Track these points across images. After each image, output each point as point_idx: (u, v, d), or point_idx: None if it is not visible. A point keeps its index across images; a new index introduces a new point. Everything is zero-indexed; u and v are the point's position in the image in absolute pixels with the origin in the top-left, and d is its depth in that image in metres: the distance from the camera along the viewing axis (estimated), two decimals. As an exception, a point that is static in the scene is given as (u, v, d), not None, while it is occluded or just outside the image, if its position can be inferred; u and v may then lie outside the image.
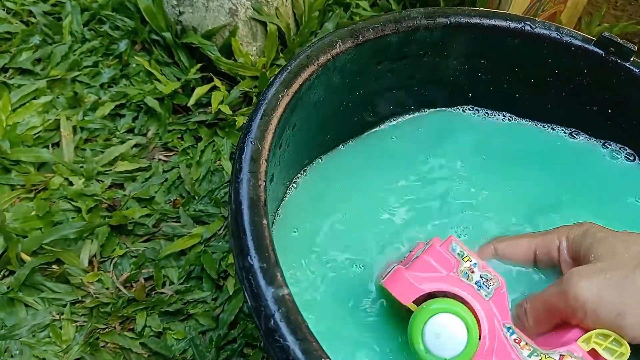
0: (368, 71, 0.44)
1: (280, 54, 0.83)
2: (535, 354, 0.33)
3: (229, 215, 0.31)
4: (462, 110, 0.50)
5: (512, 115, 0.50)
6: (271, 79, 0.37)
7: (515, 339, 0.33)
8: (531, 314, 0.36)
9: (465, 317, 0.33)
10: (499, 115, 0.50)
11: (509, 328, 0.34)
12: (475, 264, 0.35)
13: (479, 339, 0.33)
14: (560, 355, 0.33)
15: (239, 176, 0.32)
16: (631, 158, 0.48)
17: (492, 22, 0.44)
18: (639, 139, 0.46)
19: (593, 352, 0.33)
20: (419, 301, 0.34)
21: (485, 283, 0.35)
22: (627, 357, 0.32)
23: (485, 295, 0.34)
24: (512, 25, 0.44)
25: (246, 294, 0.28)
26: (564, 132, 0.49)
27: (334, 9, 0.91)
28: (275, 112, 0.35)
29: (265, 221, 0.30)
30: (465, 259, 0.35)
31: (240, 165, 0.32)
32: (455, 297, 0.34)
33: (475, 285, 0.34)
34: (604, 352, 0.33)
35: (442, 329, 0.33)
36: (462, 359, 0.33)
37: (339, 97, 0.44)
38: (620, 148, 0.48)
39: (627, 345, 0.32)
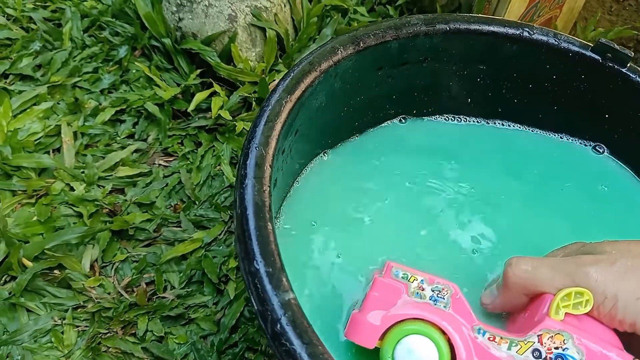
0: (369, 77, 0.45)
1: (279, 60, 0.84)
2: (514, 344, 0.33)
3: (234, 221, 0.32)
4: (459, 118, 0.51)
5: (505, 122, 0.51)
6: (275, 86, 0.37)
7: (489, 338, 0.33)
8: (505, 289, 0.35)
9: (431, 334, 0.33)
10: (495, 122, 0.51)
11: (479, 329, 0.34)
12: (423, 280, 0.35)
13: (452, 351, 0.33)
14: (538, 335, 0.32)
15: (244, 182, 0.32)
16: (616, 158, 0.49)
17: (491, 28, 0.44)
18: (637, 144, 0.47)
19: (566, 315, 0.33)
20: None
21: (439, 295, 0.34)
22: (592, 301, 0.32)
23: (444, 307, 0.34)
24: (511, 31, 0.44)
25: (252, 299, 0.29)
26: (560, 137, 0.51)
27: (332, 14, 0.92)
28: (279, 119, 0.36)
29: (270, 226, 0.31)
30: (411, 280, 0.35)
31: (245, 170, 0.33)
32: (417, 319, 0.34)
33: (430, 301, 0.34)
34: (574, 309, 0.32)
35: (410, 354, 0.33)
36: None
37: (340, 102, 0.45)
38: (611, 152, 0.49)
39: (588, 291, 0.32)
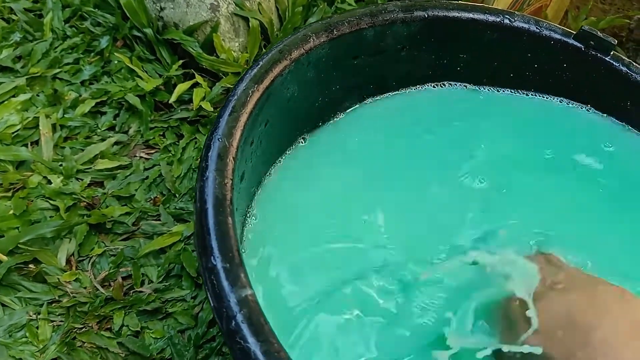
0: (345, 66, 0.43)
1: (263, 50, 0.82)
2: None
3: (194, 214, 0.31)
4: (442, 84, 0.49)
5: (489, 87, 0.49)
6: (242, 75, 0.36)
7: None
8: None
9: None
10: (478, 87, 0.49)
11: None
12: None
13: None
14: None
15: (204, 174, 0.31)
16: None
17: (471, 15, 0.43)
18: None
19: None
20: None
21: None
22: None
23: None
24: (491, 18, 0.43)
25: (209, 295, 0.27)
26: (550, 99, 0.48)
27: (318, 3, 0.90)
28: (244, 109, 0.34)
29: (230, 220, 0.30)
30: None
31: (206, 163, 0.31)
32: None
33: None
34: None
35: None
36: None
37: (314, 91, 0.43)
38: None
39: None
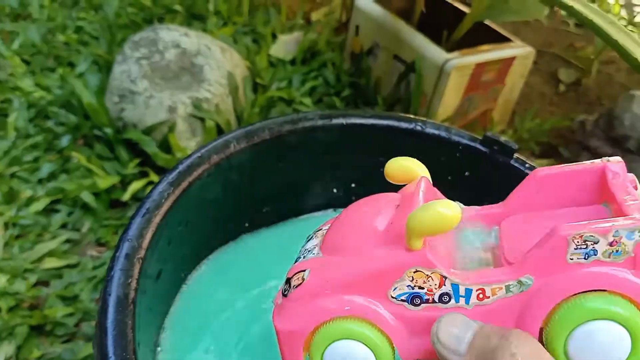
0: (269, 167, 0.46)
1: (220, 149, 0.85)
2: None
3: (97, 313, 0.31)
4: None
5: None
6: (160, 179, 0.38)
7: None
8: None
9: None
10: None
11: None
12: None
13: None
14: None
15: (109, 274, 0.32)
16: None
17: (386, 122, 0.46)
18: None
19: None
20: None
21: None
22: None
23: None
24: (404, 125, 0.46)
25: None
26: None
27: (277, 104, 0.95)
28: (158, 211, 0.36)
29: (130, 321, 0.30)
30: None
31: (112, 263, 0.33)
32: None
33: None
34: None
35: None
36: None
37: (239, 192, 0.45)
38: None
39: None
